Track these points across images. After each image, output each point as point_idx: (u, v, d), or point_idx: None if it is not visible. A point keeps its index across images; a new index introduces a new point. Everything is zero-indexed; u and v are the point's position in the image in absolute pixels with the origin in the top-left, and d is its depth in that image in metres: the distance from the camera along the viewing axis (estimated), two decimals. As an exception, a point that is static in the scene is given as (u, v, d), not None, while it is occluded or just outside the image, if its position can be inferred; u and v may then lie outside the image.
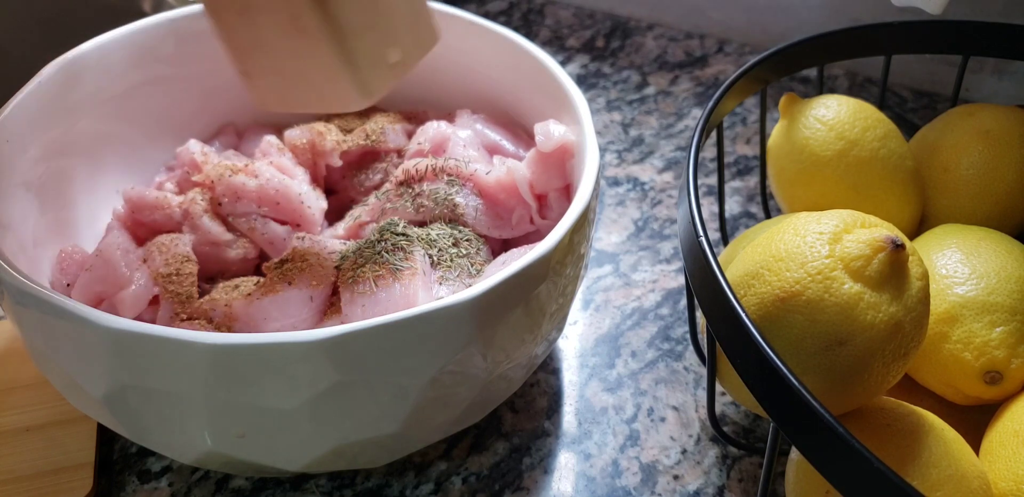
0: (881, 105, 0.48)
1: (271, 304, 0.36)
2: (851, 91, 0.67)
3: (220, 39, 0.30)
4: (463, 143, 0.44)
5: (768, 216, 0.53)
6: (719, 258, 0.44)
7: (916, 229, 0.46)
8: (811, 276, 0.32)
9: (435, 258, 0.38)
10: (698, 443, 0.43)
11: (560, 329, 0.40)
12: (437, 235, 0.39)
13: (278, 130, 0.48)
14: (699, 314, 0.43)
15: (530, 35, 0.73)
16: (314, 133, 0.45)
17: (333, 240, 0.40)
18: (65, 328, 0.30)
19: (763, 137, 0.49)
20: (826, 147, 0.44)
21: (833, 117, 0.44)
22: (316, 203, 0.43)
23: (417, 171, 0.42)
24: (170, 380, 0.30)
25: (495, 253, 0.41)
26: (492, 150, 0.46)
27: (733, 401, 0.45)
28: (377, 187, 0.45)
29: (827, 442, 0.26)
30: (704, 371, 0.46)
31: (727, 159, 0.61)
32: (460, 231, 0.40)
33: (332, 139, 0.45)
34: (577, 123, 0.41)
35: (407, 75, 0.31)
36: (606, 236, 0.55)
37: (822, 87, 0.49)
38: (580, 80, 0.69)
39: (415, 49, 0.31)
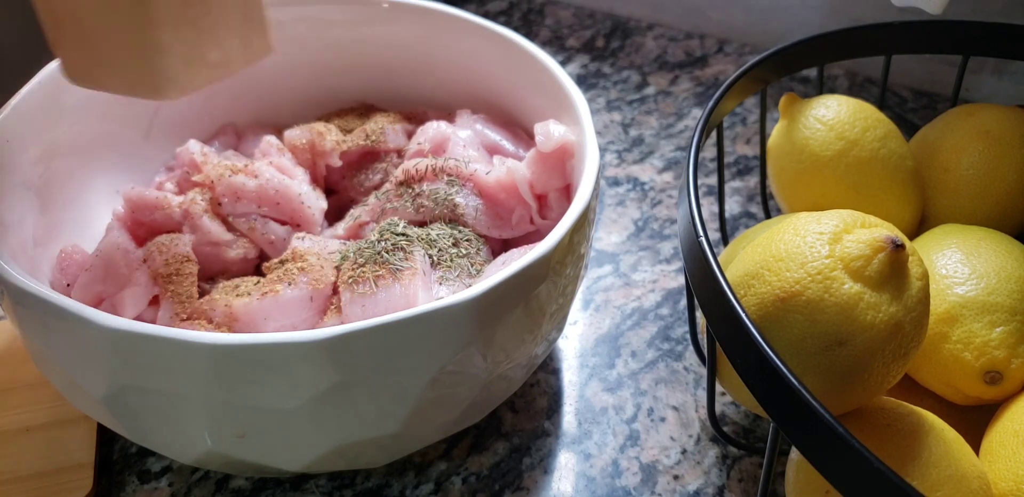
0: (881, 105, 0.48)
1: (271, 304, 0.36)
2: (851, 91, 0.67)
3: (34, 3, 0.29)
4: (463, 143, 0.44)
5: (768, 216, 0.53)
6: (719, 258, 0.44)
7: (916, 229, 0.46)
8: (811, 276, 0.32)
9: (435, 258, 0.38)
10: (698, 443, 0.43)
11: (560, 329, 0.40)
12: (437, 235, 0.39)
13: (278, 130, 0.48)
14: (699, 314, 0.43)
15: (530, 35, 0.73)
16: (314, 133, 0.45)
17: (333, 240, 0.40)
18: (65, 328, 0.30)
19: (763, 137, 0.49)
20: (826, 147, 0.44)
21: (833, 117, 0.44)
22: (316, 203, 0.43)
23: (417, 171, 0.42)
24: (170, 380, 0.30)
25: (495, 253, 0.41)
26: (492, 150, 0.46)
27: (733, 401, 0.45)
28: (377, 187, 0.45)
29: (827, 442, 0.26)
30: (704, 371, 0.46)
31: (727, 159, 0.61)
32: (460, 231, 0.40)
33: (332, 139, 0.45)
34: (577, 123, 0.41)
35: (227, 78, 0.31)
36: (606, 236, 0.55)
37: (822, 87, 0.49)
38: (580, 80, 0.69)
39: (241, 55, 0.31)
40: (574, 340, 0.48)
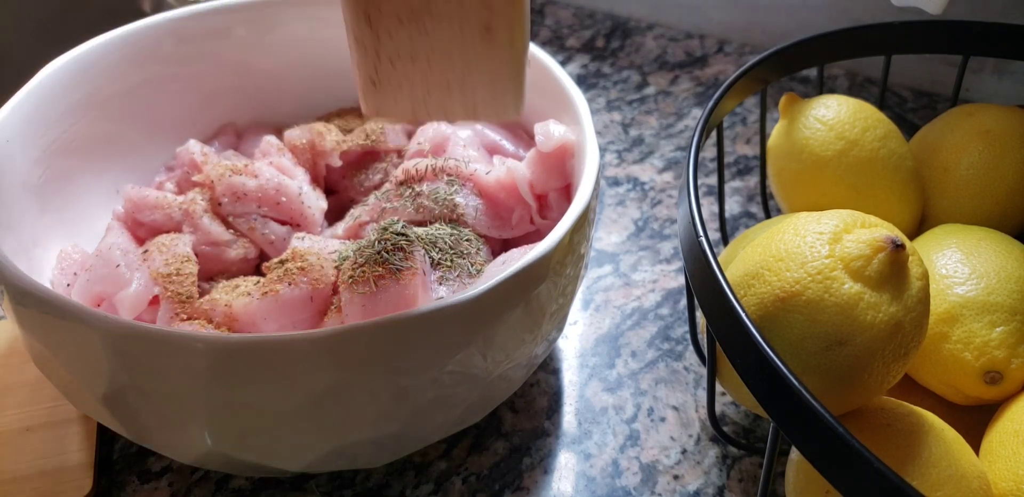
0: (881, 105, 0.48)
1: (271, 304, 0.36)
2: (851, 91, 0.67)
3: (357, 45, 0.28)
4: (463, 143, 0.44)
5: (768, 216, 0.53)
6: (719, 258, 0.44)
7: (916, 229, 0.46)
8: (811, 276, 0.32)
9: (435, 258, 0.38)
10: (698, 443, 0.43)
11: (560, 329, 0.40)
12: (437, 235, 0.39)
13: (278, 130, 0.48)
14: (699, 314, 0.43)
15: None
16: (314, 133, 0.45)
17: (333, 240, 0.40)
18: (65, 328, 0.30)
19: (763, 137, 0.49)
20: (826, 147, 0.44)
21: (833, 117, 0.44)
22: (316, 203, 0.43)
23: (417, 171, 0.42)
24: (170, 380, 0.30)
25: (495, 253, 0.41)
26: (492, 150, 0.46)
27: (733, 401, 0.45)
28: (377, 187, 0.45)
29: (827, 442, 0.26)
30: (704, 371, 0.46)
31: (727, 159, 0.61)
32: (460, 231, 0.40)
33: (332, 139, 0.45)
34: (577, 123, 0.41)
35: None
36: (606, 236, 0.55)
37: (822, 87, 0.49)
38: (580, 80, 0.69)
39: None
40: (574, 340, 0.48)
